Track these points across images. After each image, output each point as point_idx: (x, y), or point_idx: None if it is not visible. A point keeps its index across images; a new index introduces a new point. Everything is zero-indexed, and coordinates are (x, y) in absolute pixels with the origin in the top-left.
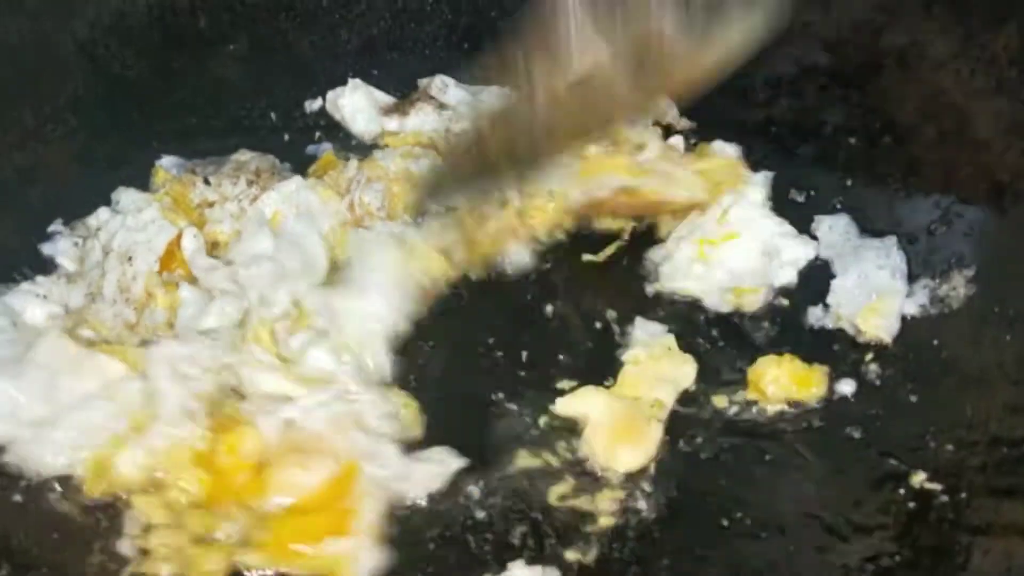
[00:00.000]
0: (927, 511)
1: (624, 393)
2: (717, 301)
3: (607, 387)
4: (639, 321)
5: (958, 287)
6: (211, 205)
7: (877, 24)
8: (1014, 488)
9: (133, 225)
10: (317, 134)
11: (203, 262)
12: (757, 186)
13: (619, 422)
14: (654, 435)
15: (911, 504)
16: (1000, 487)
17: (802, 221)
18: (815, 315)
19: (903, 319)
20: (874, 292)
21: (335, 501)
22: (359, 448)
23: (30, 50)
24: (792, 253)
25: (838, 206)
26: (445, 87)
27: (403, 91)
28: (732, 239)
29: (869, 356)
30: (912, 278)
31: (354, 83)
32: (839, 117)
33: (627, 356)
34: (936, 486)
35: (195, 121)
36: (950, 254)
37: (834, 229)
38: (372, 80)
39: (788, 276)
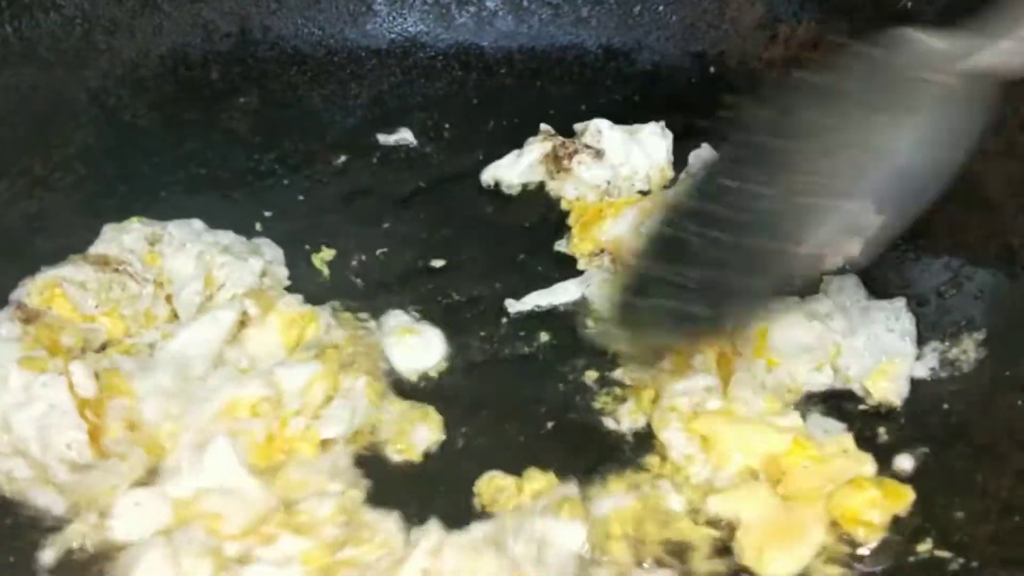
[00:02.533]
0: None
1: (788, 493)
2: None
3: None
4: (813, 417)
5: (968, 351)
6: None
7: None
8: None
9: (13, 403)
10: None
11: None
12: None
13: (776, 523)
14: (814, 539)
15: (920, 573)
16: (1012, 557)
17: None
18: (824, 378)
19: (912, 382)
20: (883, 354)
21: None
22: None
23: (42, 98)
24: None
25: (847, 267)
26: (599, 132)
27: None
28: None
29: (878, 419)
30: (922, 341)
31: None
32: None
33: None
34: (946, 554)
35: (204, 172)
36: (960, 317)
37: (843, 290)
38: (380, 133)
39: None
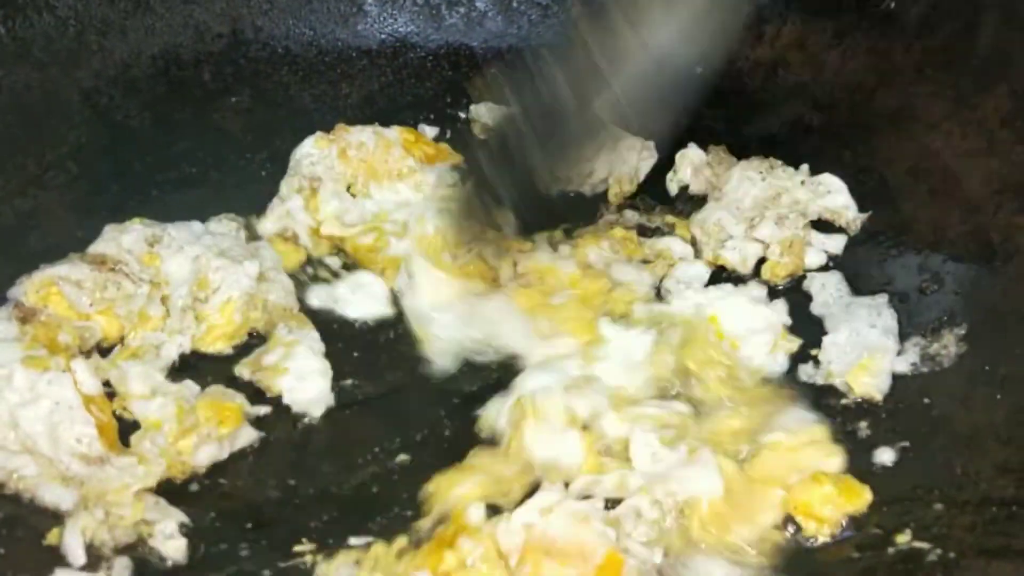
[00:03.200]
0: (915, 571)
1: (754, 474)
2: None
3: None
4: (790, 409)
5: (949, 346)
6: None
7: (870, 85)
8: (1004, 549)
9: (19, 402)
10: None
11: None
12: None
13: (739, 499)
14: (763, 522)
15: (899, 564)
16: (990, 547)
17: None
18: (806, 372)
19: (894, 377)
20: (865, 350)
21: None
22: (609, 539)
23: (35, 98)
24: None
25: (830, 264)
26: None
27: None
28: None
29: (859, 413)
30: (903, 336)
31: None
32: None
33: (768, 439)
34: (924, 545)
35: (195, 171)
36: (941, 313)
37: (826, 287)
38: None
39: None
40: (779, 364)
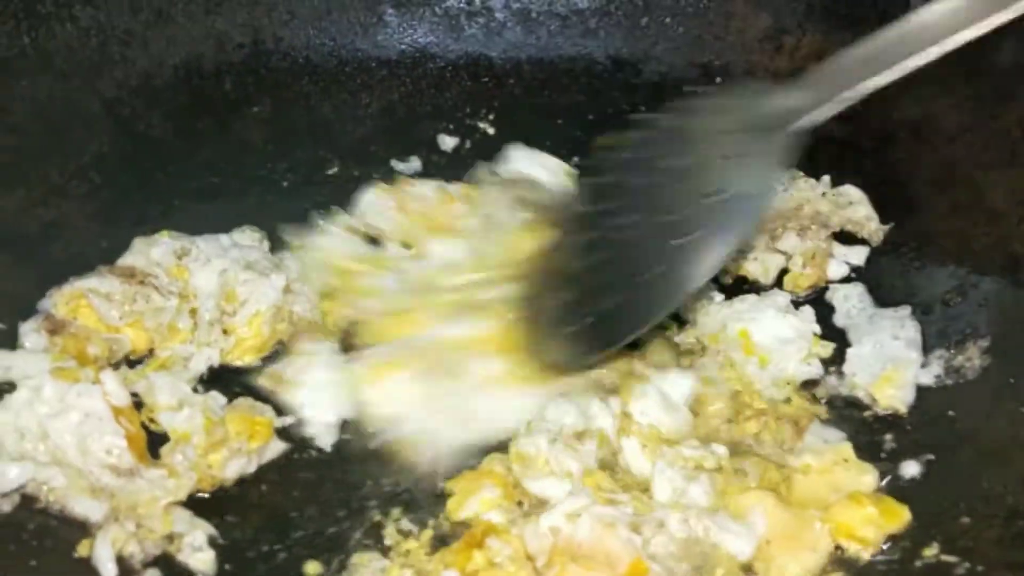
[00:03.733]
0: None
1: (794, 502)
2: None
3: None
4: (814, 427)
5: (973, 358)
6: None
7: (891, 96)
8: None
9: (48, 413)
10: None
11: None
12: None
13: (786, 531)
14: (822, 546)
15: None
16: (1018, 561)
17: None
18: (830, 384)
19: (918, 389)
20: (889, 362)
21: None
22: (635, 547)
23: (58, 108)
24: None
25: (852, 276)
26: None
27: (424, 154)
28: None
29: (884, 426)
30: (927, 349)
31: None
32: None
33: (798, 463)
34: (952, 559)
35: (217, 181)
36: (965, 325)
37: (849, 299)
38: (391, 143)
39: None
40: (814, 370)
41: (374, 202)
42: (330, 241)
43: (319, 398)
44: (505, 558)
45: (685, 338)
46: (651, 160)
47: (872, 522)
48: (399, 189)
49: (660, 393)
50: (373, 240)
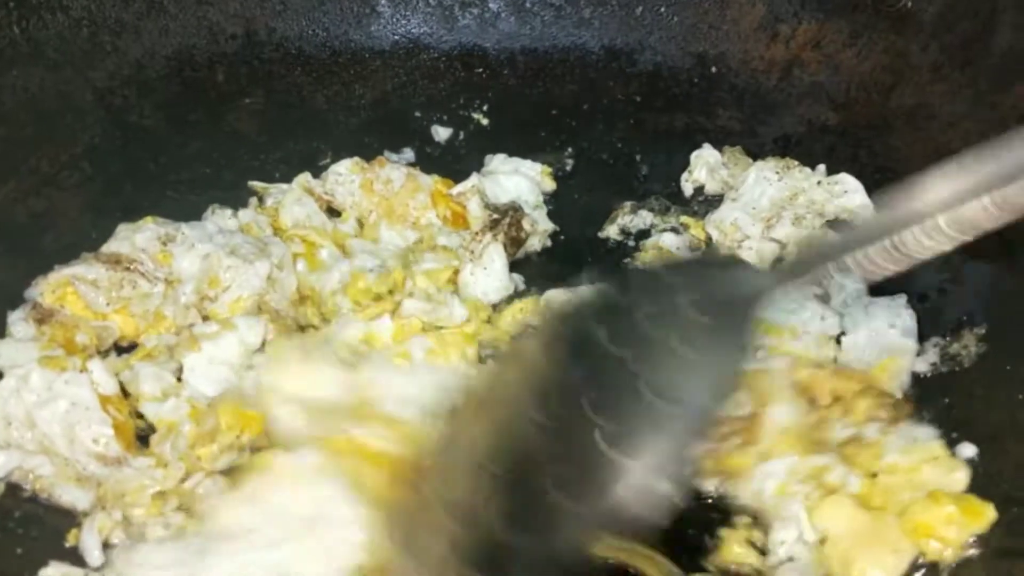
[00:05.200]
0: (937, 571)
1: (875, 505)
2: None
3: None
4: (902, 426)
5: (969, 345)
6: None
7: (886, 84)
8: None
9: (36, 402)
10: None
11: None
12: None
13: (865, 535)
14: (906, 550)
15: (921, 562)
16: (1012, 548)
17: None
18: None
19: (914, 377)
20: (885, 350)
21: None
22: None
23: (49, 99)
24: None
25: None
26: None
27: (417, 145)
28: None
29: None
30: (923, 336)
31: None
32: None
33: (884, 463)
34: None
35: (209, 172)
36: (961, 312)
37: (844, 287)
38: (385, 134)
39: None
40: (833, 324)
41: (343, 174)
42: (291, 197)
43: (210, 372)
44: None
45: None
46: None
47: (953, 521)
48: (370, 167)
49: None
50: (333, 211)
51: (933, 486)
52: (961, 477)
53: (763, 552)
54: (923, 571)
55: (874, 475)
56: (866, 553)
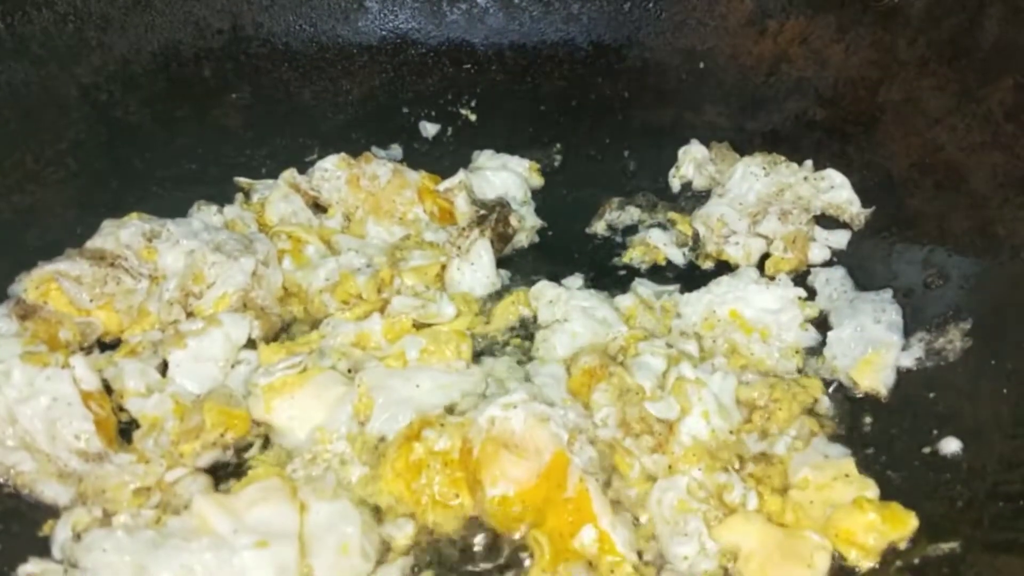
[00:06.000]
0: (923, 567)
1: (787, 521)
2: None
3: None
4: (817, 440)
5: (954, 340)
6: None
7: (873, 80)
8: (1011, 543)
9: (17, 398)
10: None
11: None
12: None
13: (779, 549)
14: (819, 565)
15: (907, 558)
16: (997, 542)
17: (799, 275)
18: (810, 366)
19: (899, 372)
20: (870, 345)
21: (555, 489)
22: (561, 441)
23: (34, 94)
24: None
25: (834, 260)
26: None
27: (405, 140)
28: None
29: (864, 409)
30: (908, 331)
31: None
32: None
33: (794, 480)
34: (933, 542)
35: (195, 168)
36: (946, 307)
37: (831, 282)
38: (372, 130)
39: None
40: (813, 336)
41: (329, 170)
42: (277, 194)
43: (195, 369)
44: (442, 447)
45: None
46: None
47: (874, 529)
48: (356, 163)
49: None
50: (320, 207)
51: (844, 503)
52: (872, 496)
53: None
54: None
55: (784, 491)
56: (779, 568)
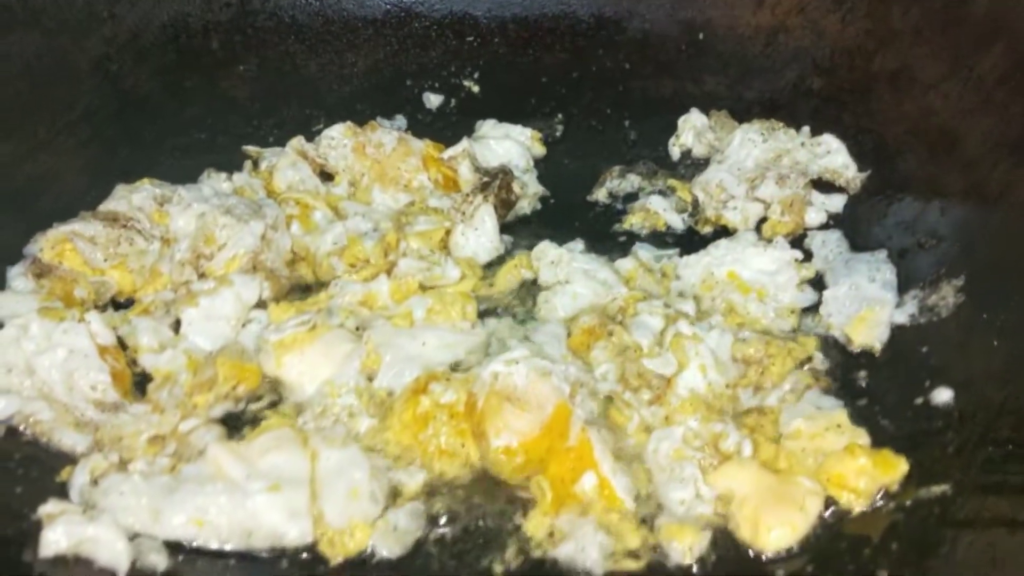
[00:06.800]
0: (914, 509)
1: (780, 468)
2: None
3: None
4: (809, 394)
5: (947, 297)
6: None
7: (869, 49)
8: (1001, 485)
9: (35, 350)
10: None
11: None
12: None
13: (771, 496)
14: (811, 509)
15: (899, 500)
16: (987, 483)
17: (796, 238)
18: (806, 324)
19: (893, 328)
20: (864, 303)
21: (558, 439)
22: (562, 393)
23: (46, 65)
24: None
25: (830, 223)
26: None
27: (409, 112)
28: None
29: (858, 364)
30: (902, 289)
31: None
32: None
33: (787, 430)
34: (925, 486)
35: (204, 137)
36: (939, 266)
37: (826, 244)
38: (377, 102)
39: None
40: (810, 296)
41: (335, 138)
42: (285, 161)
43: (207, 327)
44: (448, 400)
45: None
46: None
47: (866, 473)
48: (362, 132)
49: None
50: (326, 174)
51: (836, 450)
52: (863, 442)
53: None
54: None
55: (778, 440)
56: (772, 512)
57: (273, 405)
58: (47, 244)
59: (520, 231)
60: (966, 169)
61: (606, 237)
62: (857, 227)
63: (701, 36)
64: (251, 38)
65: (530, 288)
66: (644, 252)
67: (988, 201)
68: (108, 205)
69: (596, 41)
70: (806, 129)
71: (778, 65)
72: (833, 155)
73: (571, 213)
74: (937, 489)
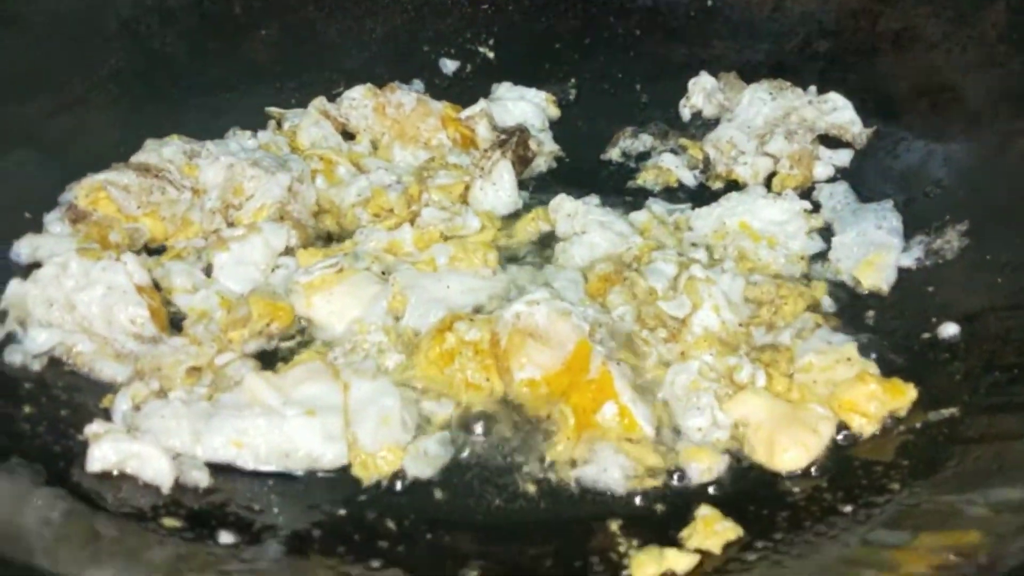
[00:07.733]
0: (922, 430)
1: (793, 398)
2: None
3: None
4: (819, 331)
5: (952, 240)
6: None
7: (874, 11)
8: (1007, 404)
9: (74, 287)
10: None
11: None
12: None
13: (784, 420)
14: (824, 432)
15: (908, 423)
16: (994, 405)
17: (804, 191)
18: (816, 271)
19: (900, 271)
20: (872, 248)
21: (579, 373)
22: (583, 331)
23: (78, 24)
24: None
25: (838, 177)
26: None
27: (426, 77)
28: None
29: (867, 304)
30: (908, 235)
31: None
32: None
33: (798, 364)
34: (933, 409)
35: (228, 97)
36: (944, 212)
37: (834, 196)
38: (395, 67)
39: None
40: (819, 243)
41: (356, 99)
42: (309, 120)
43: (237, 271)
44: (473, 337)
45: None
46: None
47: (875, 398)
48: (382, 92)
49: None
50: (348, 134)
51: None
52: (872, 372)
53: None
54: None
55: (791, 376)
56: (786, 434)
57: (304, 344)
58: (82, 191)
59: (536, 188)
60: (968, 122)
61: (620, 193)
62: (864, 180)
63: (710, 3)
64: (272, 4)
65: (548, 239)
66: (657, 206)
67: (990, 150)
68: (139, 157)
69: (608, 8)
70: (813, 88)
71: (785, 28)
72: (840, 112)
73: (586, 171)
74: (945, 412)
